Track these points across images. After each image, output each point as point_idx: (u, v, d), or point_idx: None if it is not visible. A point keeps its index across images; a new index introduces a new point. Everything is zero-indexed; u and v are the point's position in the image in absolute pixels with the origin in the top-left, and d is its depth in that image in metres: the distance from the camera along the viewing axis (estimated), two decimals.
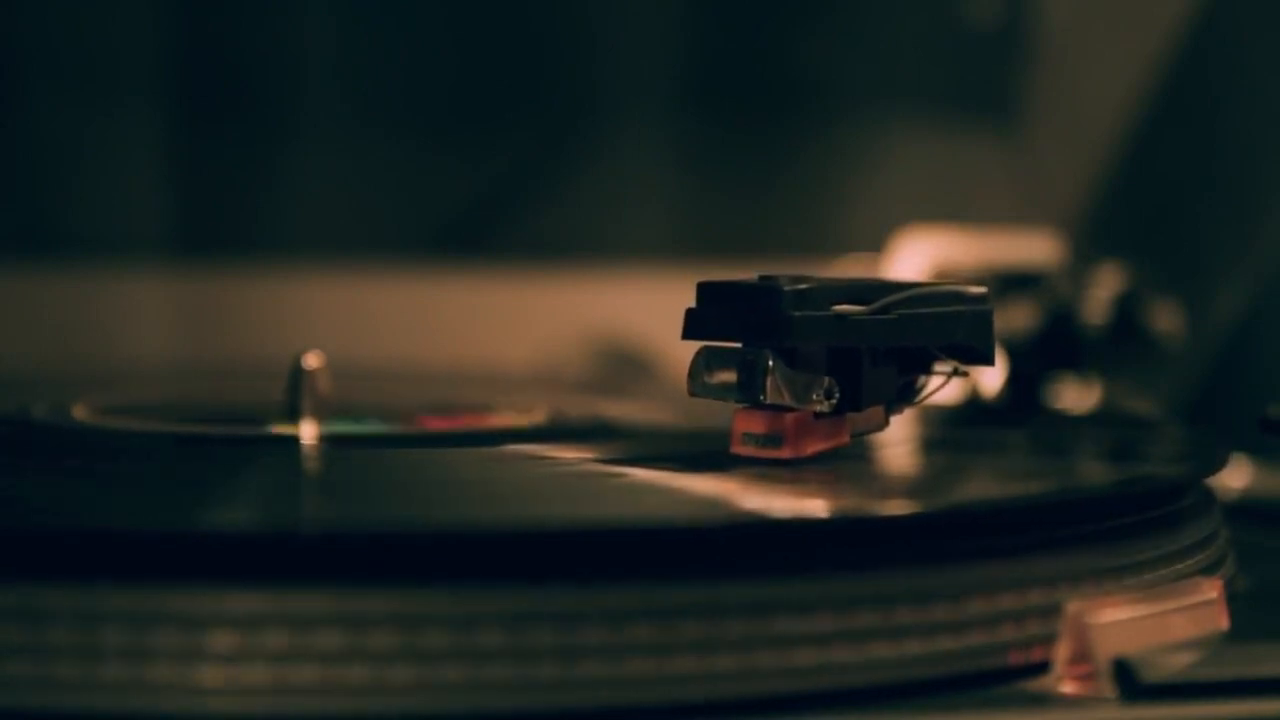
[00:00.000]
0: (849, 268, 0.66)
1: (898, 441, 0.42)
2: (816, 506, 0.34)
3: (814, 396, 0.37)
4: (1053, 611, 0.32)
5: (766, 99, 0.76)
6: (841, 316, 0.36)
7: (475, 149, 0.74)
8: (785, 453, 0.36)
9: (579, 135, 0.75)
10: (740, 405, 0.37)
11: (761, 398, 0.36)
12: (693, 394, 0.37)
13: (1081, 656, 0.32)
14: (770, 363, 0.36)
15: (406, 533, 0.30)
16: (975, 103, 0.76)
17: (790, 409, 0.36)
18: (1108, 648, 0.31)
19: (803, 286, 0.36)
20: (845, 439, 0.38)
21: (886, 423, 0.38)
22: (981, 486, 0.39)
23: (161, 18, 0.71)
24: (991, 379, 0.55)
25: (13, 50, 0.71)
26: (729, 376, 0.36)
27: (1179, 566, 0.35)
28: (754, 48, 0.76)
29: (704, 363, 0.37)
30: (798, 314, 0.36)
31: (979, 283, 0.39)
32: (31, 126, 0.71)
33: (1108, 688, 0.31)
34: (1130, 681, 0.31)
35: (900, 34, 0.77)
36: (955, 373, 0.39)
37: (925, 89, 0.77)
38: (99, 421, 0.46)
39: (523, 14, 0.75)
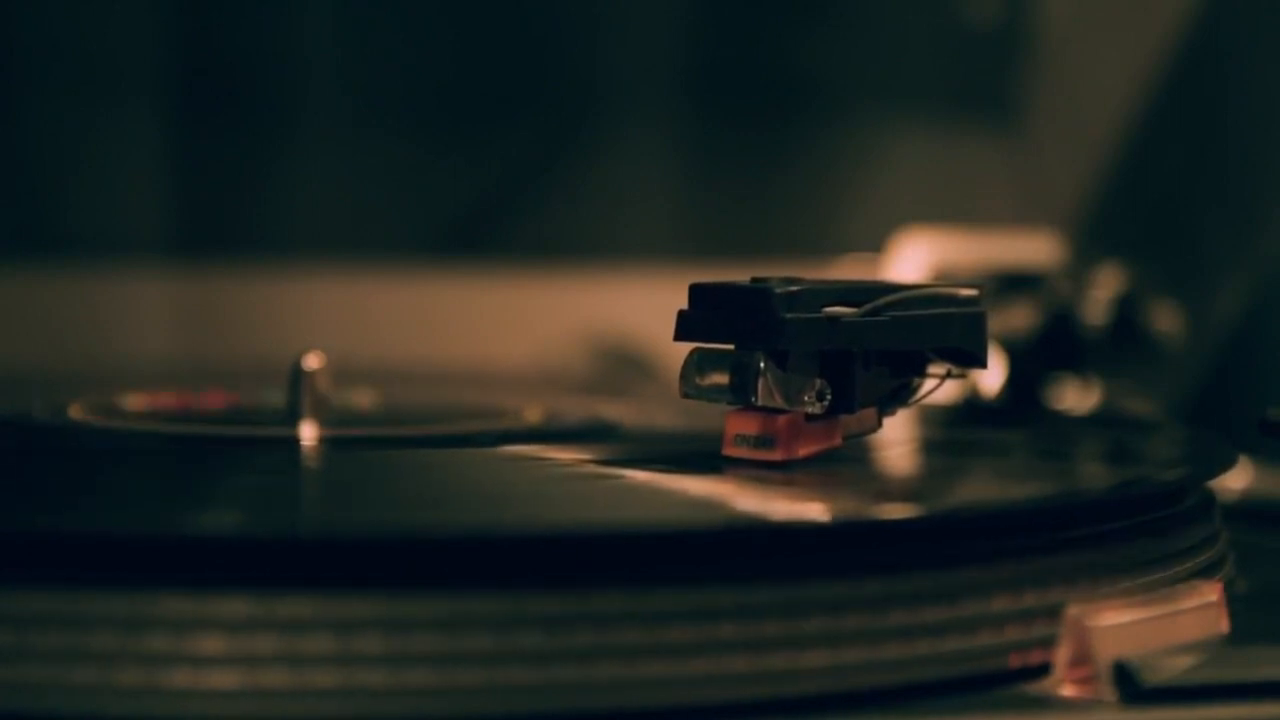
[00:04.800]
0: (849, 268, 0.66)
1: (897, 443, 0.42)
2: (813, 510, 0.34)
3: (806, 398, 0.36)
4: (1053, 614, 0.32)
5: (767, 99, 0.76)
6: (834, 319, 0.36)
7: (476, 149, 0.74)
8: (777, 455, 0.36)
9: (579, 135, 0.75)
10: (732, 407, 0.37)
11: (753, 400, 0.36)
12: (684, 395, 0.37)
13: (1082, 659, 0.31)
14: (762, 365, 0.36)
15: (392, 536, 0.30)
16: (975, 103, 0.76)
17: (782, 411, 0.36)
18: (1108, 650, 0.31)
19: (795, 289, 0.36)
20: (838, 441, 0.37)
21: (879, 424, 0.38)
22: (981, 488, 0.39)
23: (161, 18, 0.71)
24: (991, 380, 0.55)
25: (13, 50, 0.71)
26: (721, 378, 0.36)
27: (1179, 569, 0.35)
28: (754, 48, 0.76)
29: (696, 364, 0.37)
30: (790, 316, 0.35)
31: (974, 284, 0.39)
32: (31, 126, 0.71)
33: (1108, 690, 0.31)
34: (1130, 684, 0.31)
35: (900, 34, 0.76)
36: (949, 375, 0.38)
37: (925, 89, 0.77)
38: (98, 422, 0.45)
39: (523, 14, 0.75)
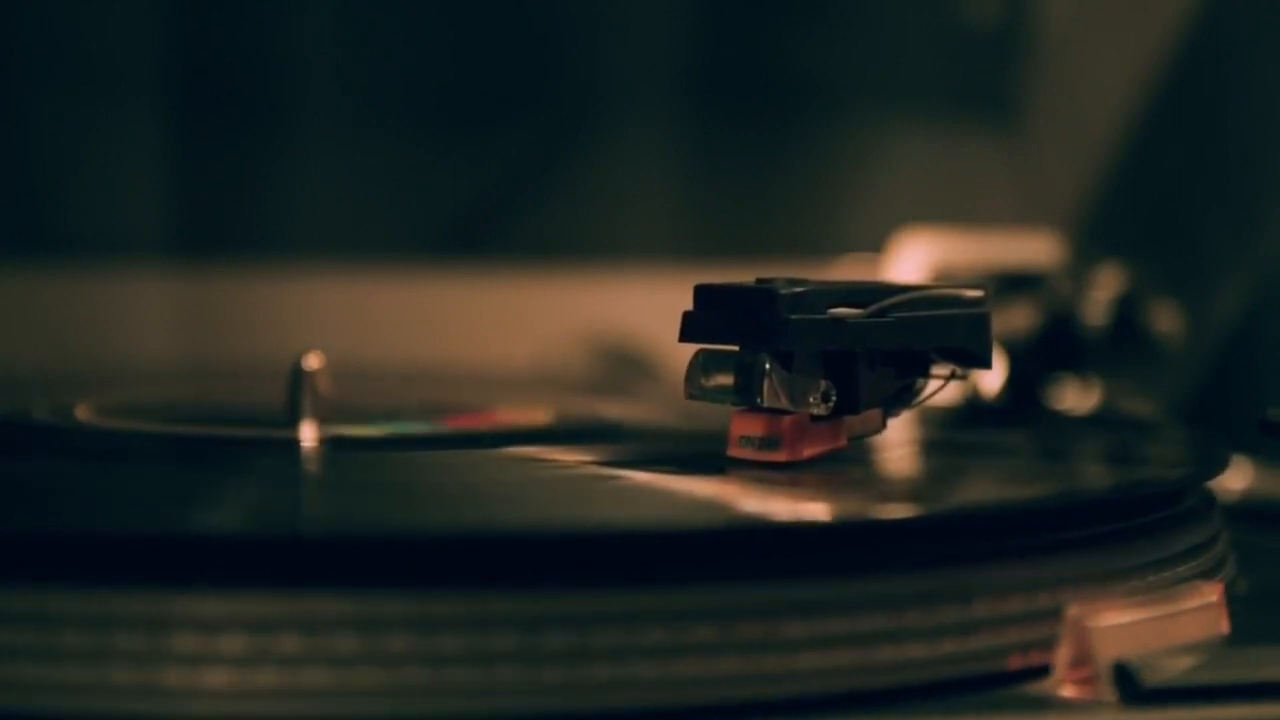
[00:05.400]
0: (849, 268, 0.66)
1: (897, 444, 0.42)
2: (815, 510, 0.34)
3: (811, 399, 0.36)
4: (1053, 615, 0.32)
5: (767, 99, 0.76)
6: (838, 320, 0.36)
7: (476, 149, 0.74)
8: (782, 456, 0.36)
9: (580, 135, 0.75)
10: (737, 408, 0.37)
11: (758, 401, 0.36)
12: (690, 397, 0.37)
13: (1082, 660, 0.31)
14: (767, 366, 0.36)
15: (392, 536, 0.30)
16: (975, 103, 0.76)
17: (787, 412, 0.36)
18: (1108, 651, 0.31)
19: (799, 290, 0.36)
20: (842, 442, 0.37)
21: (884, 425, 0.38)
22: (981, 489, 0.39)
23: (161, 18, 0.71)
24: (992, 380, 0.55)
25: (13, 50, 0.71)
26: (726, 379, 0.36)
27: (1179, 569, 0.35)
28: (754, 48, 0.76)
29: (701, 365, 0.37)
30: (795, 318, 0.35)
31: (977, 285, 0.39)
32: (31, 126, 0.71)
33: (1108, 691, 0.31)
34: (1131, 685, 0.31)
35: (900, 34, 0.76)
36: (953, 376, 0.38)
37: (925, 89, 0.77)
38: (99, 422, 0.45)
39: (523, 14, 0.75)
